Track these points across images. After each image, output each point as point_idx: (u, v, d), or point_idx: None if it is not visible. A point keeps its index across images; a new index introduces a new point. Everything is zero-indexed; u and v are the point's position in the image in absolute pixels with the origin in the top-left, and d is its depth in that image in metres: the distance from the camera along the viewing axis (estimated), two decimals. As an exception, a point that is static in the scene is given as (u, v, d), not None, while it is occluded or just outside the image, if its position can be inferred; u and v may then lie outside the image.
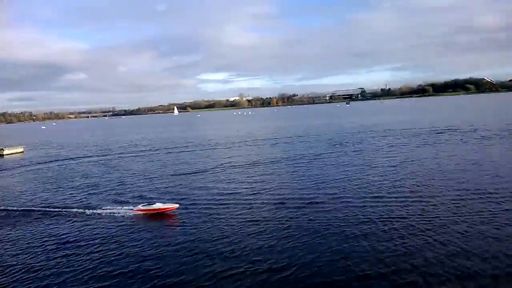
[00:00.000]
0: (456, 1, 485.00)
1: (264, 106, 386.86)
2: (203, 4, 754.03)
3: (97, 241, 17.73)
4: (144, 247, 16.59)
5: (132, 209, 21.62)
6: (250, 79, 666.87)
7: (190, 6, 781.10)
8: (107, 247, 16.83)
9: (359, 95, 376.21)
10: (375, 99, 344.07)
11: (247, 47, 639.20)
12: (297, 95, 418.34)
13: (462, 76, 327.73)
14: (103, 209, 22.44)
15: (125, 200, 24.83)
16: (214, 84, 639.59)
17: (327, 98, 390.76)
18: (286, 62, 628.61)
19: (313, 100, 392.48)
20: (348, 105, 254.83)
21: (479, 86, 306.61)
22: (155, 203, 21.62)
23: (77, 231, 19.39)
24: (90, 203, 24.81)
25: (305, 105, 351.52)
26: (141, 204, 21.89)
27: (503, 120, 61.92)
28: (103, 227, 19.60)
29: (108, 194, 26.93)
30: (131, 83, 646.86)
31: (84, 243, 17.54)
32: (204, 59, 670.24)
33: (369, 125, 74.65)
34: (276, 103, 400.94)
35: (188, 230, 18.41)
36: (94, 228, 19.55)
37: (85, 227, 19.93)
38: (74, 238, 18.33)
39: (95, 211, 22.37)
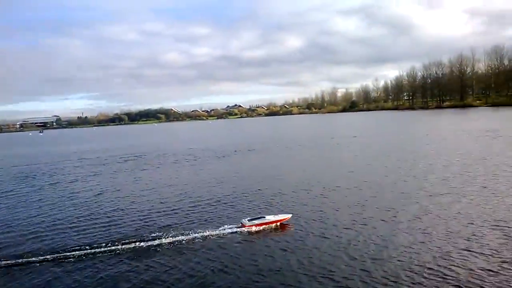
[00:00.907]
0: (140, 37, 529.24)
1: None
2: None
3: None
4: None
5: (241, 225, 19.35)
6: None
7: None
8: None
9: (54, 123, 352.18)
10: (71, 127, 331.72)
11: None
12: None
13: (155, 106, 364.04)
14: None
15: None
16: None
17: (18, 126, 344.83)
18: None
19: (1, 128, 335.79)
20: (41, 134, 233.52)
21: (168, 115, 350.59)
22: (264, 216, 19.98)
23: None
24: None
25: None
26: (247, 219, 19.76)
27: (188, 145, 73.88)
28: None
29: None
30: None
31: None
32: None
33: (64, 154, 71.70)
34: None
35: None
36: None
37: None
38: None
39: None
